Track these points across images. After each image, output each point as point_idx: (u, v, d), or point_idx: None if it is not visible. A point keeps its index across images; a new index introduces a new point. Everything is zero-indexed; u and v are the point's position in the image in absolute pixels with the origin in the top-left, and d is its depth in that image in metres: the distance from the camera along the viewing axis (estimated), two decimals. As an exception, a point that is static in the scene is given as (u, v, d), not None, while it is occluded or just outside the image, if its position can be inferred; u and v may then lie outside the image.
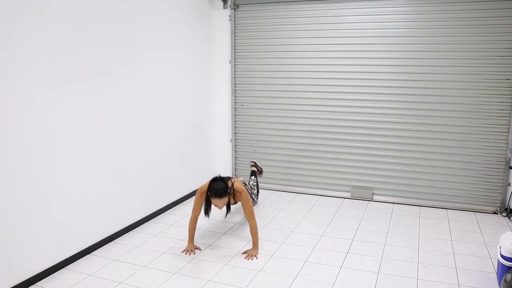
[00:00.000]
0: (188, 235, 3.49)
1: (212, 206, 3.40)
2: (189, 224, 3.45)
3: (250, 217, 3.36)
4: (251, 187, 4.33)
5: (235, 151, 5.38)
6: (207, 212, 3.37)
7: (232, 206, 3.86)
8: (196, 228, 3.89)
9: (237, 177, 3.93)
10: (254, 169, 4.68)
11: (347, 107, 4.76)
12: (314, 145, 4.97)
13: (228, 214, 3.53)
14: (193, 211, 3.40)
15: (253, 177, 4.51)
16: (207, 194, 3.27)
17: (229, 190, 3.24)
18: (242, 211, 3.73)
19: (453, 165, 4.46)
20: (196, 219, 3.43)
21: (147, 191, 4.09)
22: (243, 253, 3.39)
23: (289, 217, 4.26)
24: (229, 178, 3.47)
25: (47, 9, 2.84)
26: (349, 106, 4.75)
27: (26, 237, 2.82)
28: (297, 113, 4.98)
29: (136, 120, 3.85)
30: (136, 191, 3.92)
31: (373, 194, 4.82)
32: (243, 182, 3.92)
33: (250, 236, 3.73)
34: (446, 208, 4.55)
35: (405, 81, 4.50)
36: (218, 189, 3.16)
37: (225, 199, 3.20)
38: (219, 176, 3.30)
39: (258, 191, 4.54)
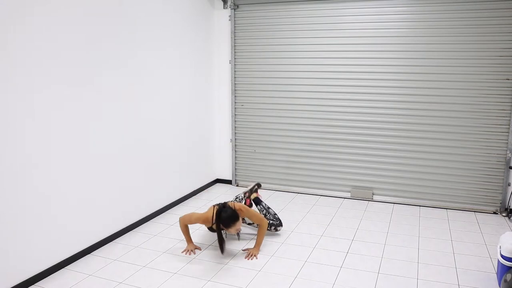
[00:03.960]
0: (184, 237, 3.49)
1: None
2: (181, 228, 3.44)
3: (260, 221, 3.36)
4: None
5: (235, 151, 5.38)
6: (222, 247, 3.19)
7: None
8: (196, 228, 3.90)
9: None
10: (255, 195, 4.01)
11: (347, 107, 4.76)
12: (314, 145, 4.97)
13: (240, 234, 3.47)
14: (184, 220, 3.36)
15: (258, 207, 3.89)
16: (218, 227, 3.12)
17: (238, 220, 3.14)
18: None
19: (453, 165, 4.46)
20: (187, 226, 3.42)
21: (147, 191, 4.09)
22: (243, 250, 3.39)
23: (289, 217, 4.26)
24: (225, 202, 3.42)
25: (47, 9, 2.84)
26: (349, 106, 4.75)
27: (26, 237, 2.82)
28: (297, 113, 4.98)
29: (136, 120, 3.85)
30: (136, 191, 3.92)
31: (373, 194, 4.82)
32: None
33: (251, 236, 3.73)
34: (446, 208, 4.55)
35: (405, 81, 4.50)
36: (231, 216, 3.08)
37: (240, 221, 3.16)
38: (220, 204, 3.23)
39: (274, 213, 3.86)
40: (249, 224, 3.77)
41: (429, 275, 3.05)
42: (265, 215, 3.77)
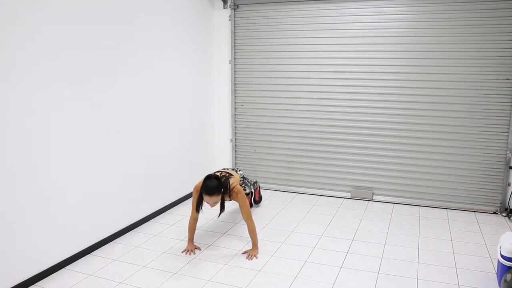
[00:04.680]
0: (188, 235, 3.49)
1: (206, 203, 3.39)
2: (189, 224, 3.45)
3: (247, 218, 3.35)
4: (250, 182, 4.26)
5: (235, 151, 5.38)
6: (198, 208, 3.32)
7: (230, 206, 3.81)
8: (196, 228, 3.90)
9: (237, 171, 3.92)
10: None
11: (347, 107, 4.76)
12: (314, 145, 4.97)
13: (221, 214, 3.45)
14: (192, 210, 3.40)
15: (253, 182, 4.41)
16: (200, 189, 3.23)
17: (222, 189, 3.20)
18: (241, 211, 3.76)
19: (453, 165, 4.46)
20: (196, 219, 3.43)
21: (147, 191, 4.09)
22: (243, 253, 3.39)
23: (289, 217, 4.26)
24: (228, 176, 3.46)
25: (47, 9, 2.84)
26: (349, 106, 4.75)
27: (26, 237, 2.82)
28: (297, 113, 4.98)
29: (136, 120, 3.85)
30: (136, 191, 3.92)
31: (373, 194, 4.82)
32: (242, 177, 3.91)
33: (248, 238, 3.73)
34: (446, 208, 4.55)
35: (405, 81, 4.50)
36: (210, 187, 3.12)
37: (216, 198, 3.16)
38: (214, 173, 3.29)
39: (260, 196, 4.54)
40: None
41: (429, 275, 3.05)
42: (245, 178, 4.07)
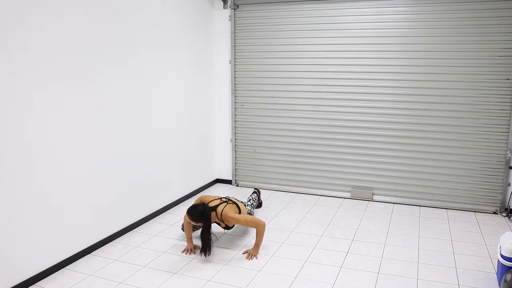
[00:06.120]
0: (185, 235, 3.49)
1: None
2: (184, 225, 3.46)
3: (255, 226, 3.34)
4: (250, 205, 4.08)
5: (235, 151, 5.38)
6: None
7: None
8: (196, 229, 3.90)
9: (245, 205, 3.87)
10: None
11: (347, 107, 4.76)
12: (314, 145, 4.97)
13: (207, 254, 3.23)
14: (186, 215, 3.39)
15: (254, 195, 4.25)
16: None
17: (199, 221, 3.14)
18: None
19: (453, 165, 4.46)
20: (190, 222, 3.42)
21: (148, 190, 4.09)
22: (243, 253, 3.39)
23: (289, 217, 4.26)
24: (219, 204, 3.37)
25: (46, 9, 2.84)
26: (349, 106, 4.75)
27: (26, 237, 2.82)
28: (297, 113, 4.98)
29: (136, 120, 3.85)
30: (136, 190, 3.92)
31: (373, 194, 4.82)
32: (249, 213, 3.84)
33: (250, 237, 3.74)
34: (446, 208, 4.55)
35: (405, 81, 4.50)
36: (194, 214, 3.13)
37: (195, 224, 3.21)
38: (206, 204, 3.19)
39: (258, 203, 4.41)
40: (225, 228, 3.58)
41: (429, 275, 3.05)
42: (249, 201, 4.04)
